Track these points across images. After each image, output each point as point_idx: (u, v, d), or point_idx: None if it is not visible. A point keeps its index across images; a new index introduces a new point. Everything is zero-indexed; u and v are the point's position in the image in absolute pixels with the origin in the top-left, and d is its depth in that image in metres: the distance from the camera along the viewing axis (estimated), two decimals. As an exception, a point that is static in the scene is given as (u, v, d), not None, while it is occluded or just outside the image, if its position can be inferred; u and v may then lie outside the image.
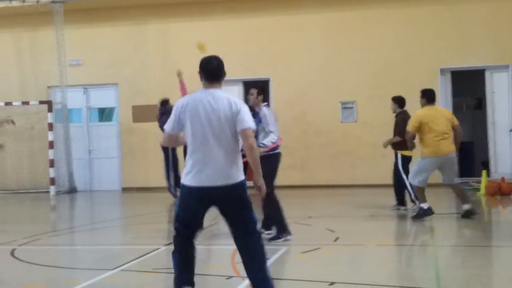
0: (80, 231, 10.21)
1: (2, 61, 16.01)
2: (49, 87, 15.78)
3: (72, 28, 15.19)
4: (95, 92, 15.92)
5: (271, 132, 7.61)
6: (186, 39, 15.16)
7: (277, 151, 7.80)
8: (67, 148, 15.47)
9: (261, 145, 7.58)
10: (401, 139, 9.77)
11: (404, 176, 9.84)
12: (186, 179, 4.94)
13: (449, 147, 9.03)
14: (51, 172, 14.87)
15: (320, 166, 14.40)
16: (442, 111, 9.48)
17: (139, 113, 15.31)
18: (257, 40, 14.80)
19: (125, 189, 15.35)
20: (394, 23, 14.22)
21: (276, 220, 7.77)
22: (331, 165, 14.34)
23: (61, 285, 6.23)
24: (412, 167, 9.45)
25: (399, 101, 10.24)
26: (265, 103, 7.94)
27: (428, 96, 9.26)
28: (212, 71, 5.18)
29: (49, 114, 14.97)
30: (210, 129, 4.89)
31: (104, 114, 16.18)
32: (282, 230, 7.72)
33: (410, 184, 9.58)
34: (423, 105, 9.26)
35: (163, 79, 15.12)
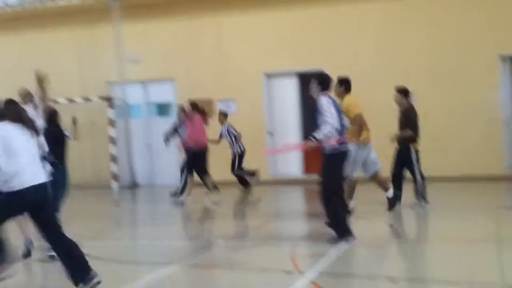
0: (143, 226, 10.45)
1: (62, 58, 16.43)
2: (108, 82, 16.11)
3: (129, 24, 15.44)
4: (153, 87, 16.19)
5: (328, 122, 7.13)
6: (240, 32, 15.26)
7: (342, 148, 7.36)
8: (128, 143, 15.81)
9: (311, 137, 7.20)
10: (412, 133, 9.56)
11: (418, 171, 9.61)
12: None
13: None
14: (113, 168, 15.22)
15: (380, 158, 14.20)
16: None
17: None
18: (311, 31, 14.69)
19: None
20: (453, 8, 13.83)
21: (338, 222, 7.41)
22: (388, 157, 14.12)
23: (126, 279, 6.40)
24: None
25: (405, 93, 9.89)
26: (325, 92, 7.43)
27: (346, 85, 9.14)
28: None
29: (110, 110, 15.31)
30: None
31: (163, 109, 16.45)
32: (345, 233, 7.35)
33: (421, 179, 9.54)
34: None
35: (218, 73, 15.24)
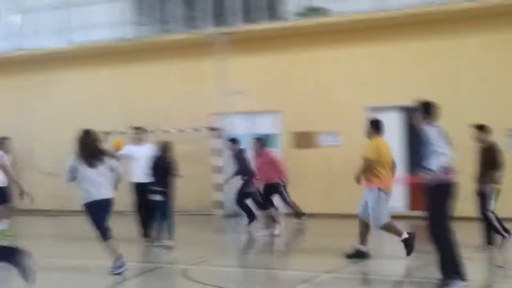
0: (246, 254, 10.63)
1: (171, 89, 17.13)
2: (214, 114, 16.59)
3: (236, 57, 15.90)
4: (258, 119, 16.50)
5: (438, 152, 6.72)
6: (343, 66, 15.33)
7: (451, 180, 6.90)
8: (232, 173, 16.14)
9: (428, 170, 6.75)
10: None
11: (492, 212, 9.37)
12: None
13: None
14: (217, 196, 15.58)
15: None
16: None
17: (300, 140, 15.64)
18: (414, 65, 14.56)
19: (286, 214, 15.67)
20: None
21: (448, 263, 6.89)
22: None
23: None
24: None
25: (485, 129, 9.56)
26: (430, 121, 7.05)
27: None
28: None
29: (214, 140, 15.76)
30: None
31: (267, 141, 16.69)
32: (453, 275, 6.84)
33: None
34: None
35: (322, 106, 15.37)
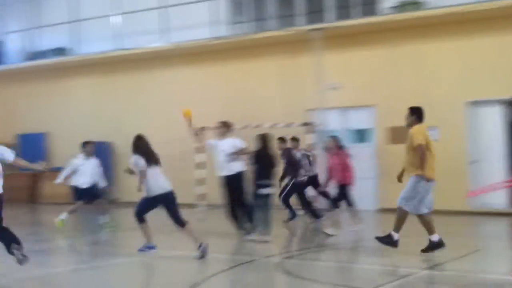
0: (339, 249, 10.61)
1: (266, 86, 17.33)
2: (308, 109, 16.62)
3: (330, 53, 15.87)
4: (352, 114, 16.40)
5: None
6: (442, 60, 14.95)
7: None
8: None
9: None
10: None
11: None
12: None
13: None
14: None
15: None
16: None
17: (395, 135, 15.41)
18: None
19: (381, 210, 15.51)
20: None
21: None
22: None
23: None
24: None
25: None
26: None
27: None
28: None
29: (310, 135, 15.79)
30: None
31: (361, 136, 16.60)
32: None
33: None
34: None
35: (419, 100, 14.99)
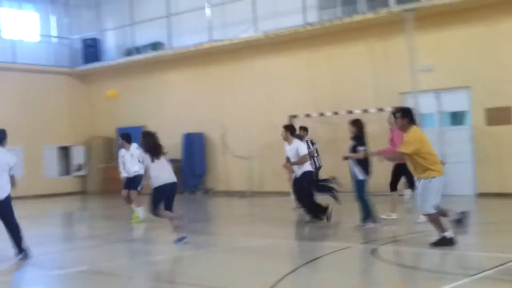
0: (432, 235, 10.36)
1: (358, 70, 17.11)
2: (401, 93, 16.28)
3: (423, 33, 15.45)
4: (447, 96, 15.91)
5: None
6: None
7: None
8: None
9: None
10: None
11: None
12: None
13: None
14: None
15: None
16: None
17: (493, 116, 14.82)
18: None
19: (480, 195, 14.99)
20: None
21: None
22: None
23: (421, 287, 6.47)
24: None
25: None
26: None
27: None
28: None
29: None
30: None
31: (456, 118, 16.07)
32: None
33: None
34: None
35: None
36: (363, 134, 10.40)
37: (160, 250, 9.69)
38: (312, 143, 13.71)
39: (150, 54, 20.93)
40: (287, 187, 16.71)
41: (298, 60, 18.22)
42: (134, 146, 12.92)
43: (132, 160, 12.83)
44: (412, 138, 8.33)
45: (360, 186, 10.30)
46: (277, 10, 18.35)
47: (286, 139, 11.63)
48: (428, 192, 8.30)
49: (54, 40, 23.48)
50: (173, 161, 20.09)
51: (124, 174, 12.94)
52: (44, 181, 21.91)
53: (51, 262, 8.82)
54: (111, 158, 21.67)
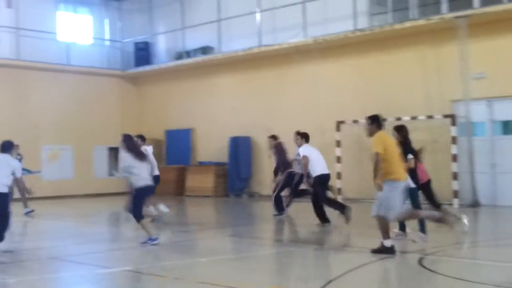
0: (484, 246, 10.15)
1: (407, 77, 16.91)
2: (452, 101, 16.01)
3: (475, 41, 15.19)
4: (499, 104, 15.56)
5: None
6: None
7: None
8: (470, 162, 15.46)
9: None
10: None
11: None
12: None
13: None
14: (455, 185, 15.06)
15: None
16: None
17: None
18: None
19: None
20: None
21: None
22: None
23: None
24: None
25: None
26: None
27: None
28: None
29: (453, 128, 15.23)
30: None
31: (508, 127, 15.70)
32: None
33: None
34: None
35: None
36: (409, 141, 10.19)
37: (204, 252, 9.78)
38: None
39: (200, 58, 21.16)
40: (333, 193, 16.66)
41: (346, 65, 18.12)
42: (143, 148, 13.15)
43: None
44: (377, 140, 8.69)
45: (413, 195, 10.00)
46: (327, 16, 18.31)
47: (299, 144, 12.52)
48: (393, 196, 8.51)
49: (107, 43, 23.97)
50: (219, 164, 20.60)
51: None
52: (94, 181, 22.37)
53: (98, 261, 9.01)
54: (160, 160, 21.96)
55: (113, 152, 23.45)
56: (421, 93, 16.54)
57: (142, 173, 9.99)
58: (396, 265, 8.40)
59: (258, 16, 19.34)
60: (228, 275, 7.78)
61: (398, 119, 16.15)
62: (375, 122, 8.93)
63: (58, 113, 21.39)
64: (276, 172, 13.92)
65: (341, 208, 11.97)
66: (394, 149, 8.81)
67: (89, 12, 23.56)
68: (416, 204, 9.84)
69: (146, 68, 22.85)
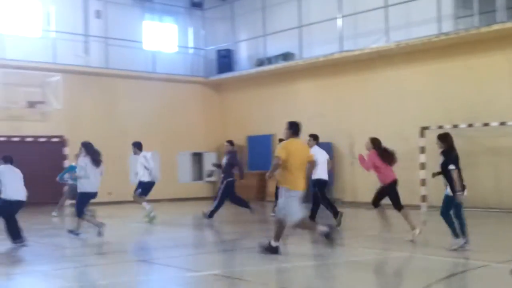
0: None
1: (495, 81, 16.42)
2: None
3: None
4: None
5: None
6: None
7: None
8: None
9: None
10: None
11: None
12: None
13: None
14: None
15: None
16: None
17: None
18: None
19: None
20: None
21: None
22: None
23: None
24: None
25: None
26: None
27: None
28: None
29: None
30: None
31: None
32: None
33: None
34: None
35: None
36: (454, 150, 9.88)
37: (289, 258, 9.85)
38: None
39: (281, 64, 21.31)
40: (417, 200, 16.40)
41: (431, 70, 17.78)
42: (142, 154, 14.73)
43: (139, 166, 14.71)
44: (283, 145, 9.12)
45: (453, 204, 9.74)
46: (410, 20, 18.05)
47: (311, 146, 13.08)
48: (288, 202, 8.96)
49: (191, 51, 24.53)
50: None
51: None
52: (178, 186, 22.93)
53: (186, 264, 9.26)
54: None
55: (197, 157, 24.00)
56: (509, 98, 16.03)
57: (93, 178, 11.20)
58: (486, 276, 8.19)
59: (339, 21, 19.30)
60: (313, 282, 7.83)
61: (486, 124, 15.75)
62: (292, 128, 9.30)
63: (144, 119, 22.07)
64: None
65: (336, 213, 13.08)
66: (298, 160, 9.07)
67: (173, 21, 24.21)
68: (457, 214, 9.61)
69: (228, 75, 23.24)
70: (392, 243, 10.98)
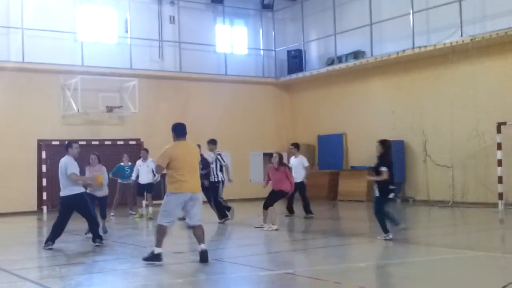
0: None
1: None
2: None
3: None
4: None
5: None
6: None
7: None
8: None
9: None
10: None
11: None
12: None
13: None
14: None
15: None
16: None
17: None
18: None
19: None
20: None
21: None
22: None
23: None
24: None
25: None
26: None
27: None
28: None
29: None
30: None
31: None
32: None
33: None
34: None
35: None
36: (388, 155, 10.66)
37: (360, 257, 9.86)
38: (218, 160, 14.90)
39: (352, 63, 21.22)
40: (493, 198, 15.99)
41: (508, 64, 17.29)
42: (150, 160, 15.93)
43: (147, 170, 16.04)
44: (164, 151, 8.93)
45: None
46: (485, 13, 17.61)
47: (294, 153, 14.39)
48: (167, 205, 8.85)
49: (261, 52, 24.77)
50: (369, 169, 20.45)
51: (133, 179, 16.53)
52: (250, 186, 23.17)
53: (260, 263, 9.43)
54: (312, 165, 22.31)
55: (268, 157, 24.17)
56: None
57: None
58: None
59: (411, 17, 19.04)
60: (387, 282, 7.82)
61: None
62: (174, 131, 9.09)
63: (217, 120, 22.45)
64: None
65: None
66: (183, 163, 8.84)
67: (244, 24, 24.51)
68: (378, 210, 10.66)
69: (299, 75, 23.33)
70: (467, 241, 10.81)
